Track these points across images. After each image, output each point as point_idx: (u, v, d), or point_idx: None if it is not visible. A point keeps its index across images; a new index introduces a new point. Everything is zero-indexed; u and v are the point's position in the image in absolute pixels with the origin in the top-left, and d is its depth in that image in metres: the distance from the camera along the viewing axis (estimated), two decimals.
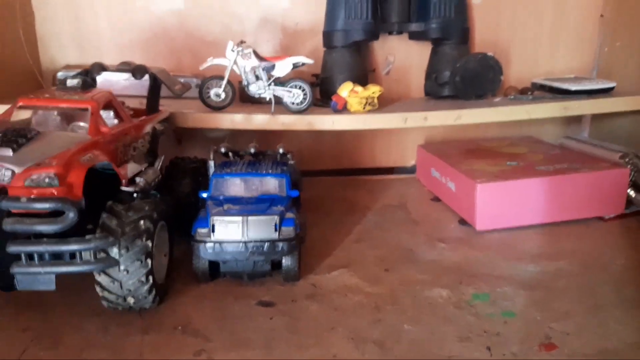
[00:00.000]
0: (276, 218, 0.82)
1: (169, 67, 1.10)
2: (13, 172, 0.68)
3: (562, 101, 1.20)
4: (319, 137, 1.38)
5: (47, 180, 0.68)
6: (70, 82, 0.87)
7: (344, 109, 1.15)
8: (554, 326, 0.75)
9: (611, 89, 1.25)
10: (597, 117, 1.43)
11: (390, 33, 1.31)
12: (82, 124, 0.81)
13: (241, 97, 1.19)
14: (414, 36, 1.31)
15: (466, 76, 1.23)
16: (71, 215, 0.62)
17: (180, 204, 0.93)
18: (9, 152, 0.70)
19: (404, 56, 1.38)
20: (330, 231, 1.09)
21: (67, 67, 1.28)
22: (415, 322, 0.77)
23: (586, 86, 1.23)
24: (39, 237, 0.68)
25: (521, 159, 1.20)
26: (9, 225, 0.62)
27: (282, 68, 1.09)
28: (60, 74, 1.25)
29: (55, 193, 0.67)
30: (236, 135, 1.19)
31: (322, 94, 1.27)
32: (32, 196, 0.64)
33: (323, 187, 1.34)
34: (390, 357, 0.69)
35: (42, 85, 1.28)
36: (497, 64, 1.22)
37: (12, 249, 0.63)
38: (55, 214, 0.65)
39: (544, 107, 1.19)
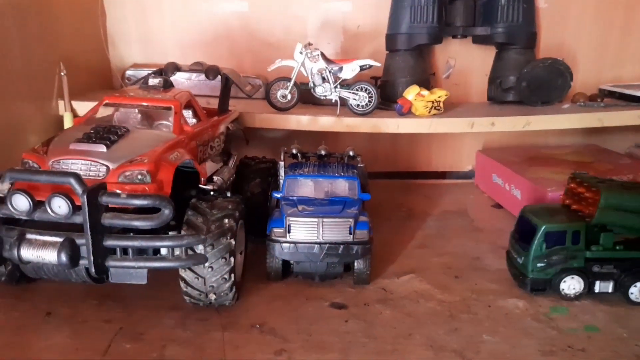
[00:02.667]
0: (351, 221, 0.82)
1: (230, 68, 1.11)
2: (108, 168, 0.71)
3: (636, 109, 1.16)
4: (375, 139, 1.37)
5: (139, 177, 0.70)
6: (152, 82, 0.89)
7: (408, 113, 1.14)
8: None
9: None
10: None
11: (454, 37, 1.29)
12: (165, 122, 0.83)
13: (301, 98, 1.20)
14: (478, 40, 1.29)
15: (533, 82, 1.19)
16: (167, 212, 0.63)
17: (251, 203, 0.94)
18: (103, 149, 0.72)
19: (465, 60, 1.35)
20: (391, 236, 1.08)
21: (135, 65, 1.32)
22: (494, 333, 0.75)
23: None
24: (125, 232, 0.70)
25: (589, 168, 1.16)
26: (107, 219, 0.64)
27: (349, 70, 1.09)
28: (129, 72, 1.29)
29: (147, 190, 0.69)
30: (293, 135, 1.19)
31: (383, 96, 1.26)
32: (130, 193, 0.66)
33: (380, 190, 1.32)
34: None
35: (111, 82, 1.32)
36: (567, 70, 1.19)
37: (109, 242, 0.65)
38: (145, 210, 0.67)
39: (618, 115, 1.15)
